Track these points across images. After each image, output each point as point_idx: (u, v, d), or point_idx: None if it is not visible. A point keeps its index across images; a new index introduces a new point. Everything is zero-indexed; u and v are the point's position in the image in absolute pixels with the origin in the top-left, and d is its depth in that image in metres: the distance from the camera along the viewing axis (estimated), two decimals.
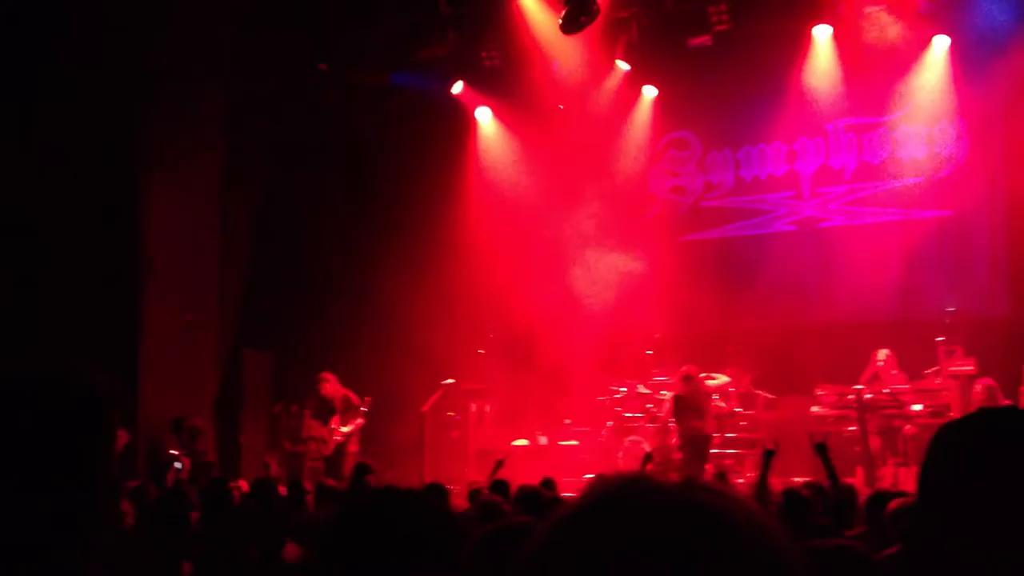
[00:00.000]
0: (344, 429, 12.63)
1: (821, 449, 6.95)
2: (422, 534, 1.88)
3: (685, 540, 0.91)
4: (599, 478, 1.03)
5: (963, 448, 1.48)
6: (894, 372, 11.86)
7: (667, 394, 12.90)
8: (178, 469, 10.20)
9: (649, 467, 11.06)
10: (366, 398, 12.81)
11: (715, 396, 12.58)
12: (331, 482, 10.47)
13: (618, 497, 0.96)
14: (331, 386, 12.71)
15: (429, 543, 1.87)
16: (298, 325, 15.06)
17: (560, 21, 12.99)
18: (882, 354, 11.98)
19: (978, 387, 10.93)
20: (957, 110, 13.72)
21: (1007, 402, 10.71)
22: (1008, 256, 13.23)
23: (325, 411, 12.72)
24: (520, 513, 6.29)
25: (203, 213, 13.77)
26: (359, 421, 12.66)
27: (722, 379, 12.88)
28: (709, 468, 11.71)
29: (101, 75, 12.23)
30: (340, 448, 12.58)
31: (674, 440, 12.66)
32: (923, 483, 1.51)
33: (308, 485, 10.69)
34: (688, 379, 12.16)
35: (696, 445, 11.98)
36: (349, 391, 12.79)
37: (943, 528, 1.45)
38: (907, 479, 11.01)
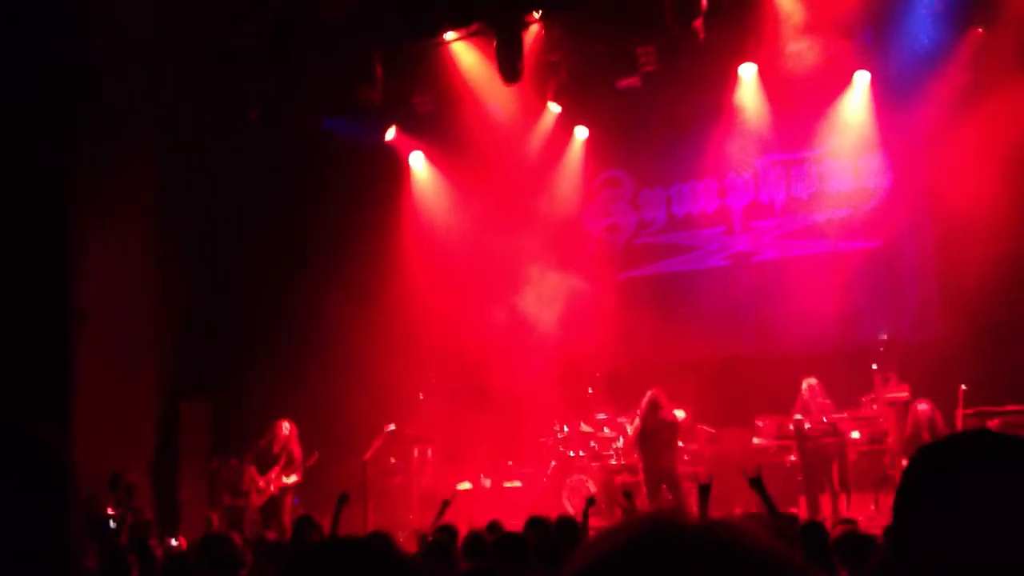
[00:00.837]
0: (287, 480, 12.46)
1: (756, 483, 6.97)
2: None
3: None
4: (632, 522, 1.01)
5: (940, 472, 1.50)
6: (820, 400, 11.89)
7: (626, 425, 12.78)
8: (114, 529, 9.96)
9: (591, 511, 11.01)
10: (314, 453, 12.65)
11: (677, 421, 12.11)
12: (272, 535, 10.30)
13: (656, 540, 0.95)
14: (282, 438, 12.53)
15: None
16: (235, 373, 14.85)
17: (500, 72, 13.10)
18: (806, 384, 11.98)
19: (922, 407, 11.11)
20: (880, 142, 14.08)
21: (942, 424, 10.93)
22: (937, 282, 13.54)
23: (267, 460, 12.54)
24: (466, 558, 6.25)
25: (136, 260, 13.56)
26: (297, 477, 12.51)
27: (681, 413, 12.67)
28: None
29: (29, 120, 12.04)
30: (277, 499, 12.41)
31: (624, 478, 12.62)
32: (900, 508, 1.52)
33: (246, 537, 10.50)
34: (655, 406, 11.83)
35: (668, 480, 11.69)
36: (297, 448, 12.59)
37: (921, 554, 1.45)
38: (852, 506, 11.15)
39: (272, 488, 12.43)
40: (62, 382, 12.04)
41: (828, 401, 11.93)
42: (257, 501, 12.43)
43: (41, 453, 1.58)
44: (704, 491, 7.38)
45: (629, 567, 0.94)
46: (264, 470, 12.48)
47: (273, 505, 12.39)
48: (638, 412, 12.15)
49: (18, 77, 11.95)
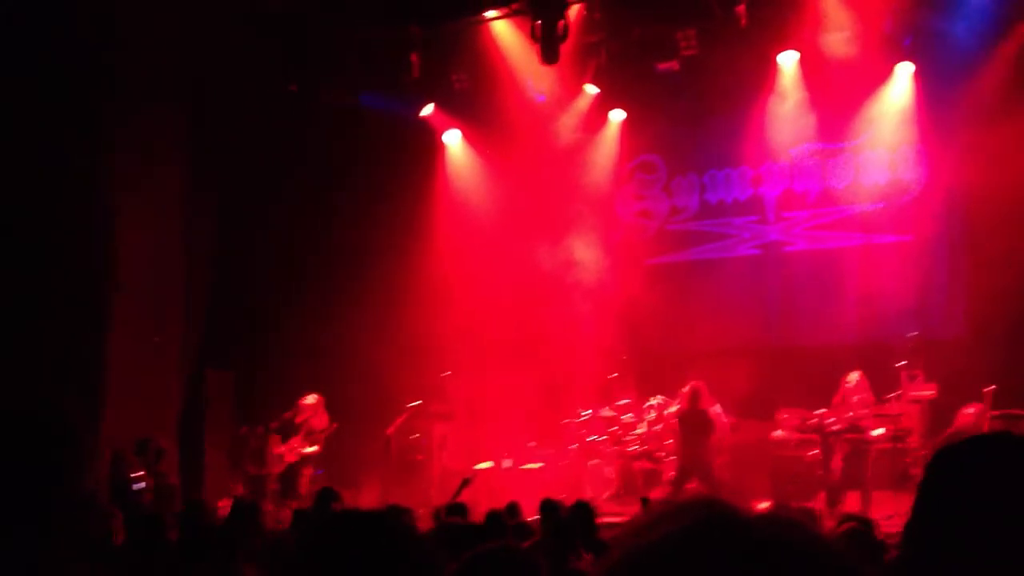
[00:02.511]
0: (310, 449, 12.62)
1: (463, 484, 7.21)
2: (391, 561, 1.87)
3: None
4: (677, 504, 0.99)
5: (962, 474, 1.50)
6: (856, 398, 11.80)
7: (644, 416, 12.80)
8: (140, 490, 10.11)
9: (595, 495, 10.98)
10: (333, 424, 12.78)
11: (715, 417, 12.05)
12: (294, 504, 10.43)
13: (708, 532, 0.93)
14: (310, 407, 12.68)
15: (399, 570, 1.86)
16: (262, 345, 14.97)
17: (539, 54, 13.05)
18: (852, 377, 11.92)
19: (970, 411, 11.03)
20: (918, 136, 13.91)
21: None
22: (968, 280, 13.39)
23: (289, 430, 12.69)
24: (485, 538, 6.31)
25: (169, 233, 13.69)
26: (317, 447, 12.65)
27: (719, 408, 12.53)
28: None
29: (65, 93, 12.14)
30: (295, 467, 12.57)
31: (643, 464, 12.65)
32: (920, 507, 1.52)
33: (269, 507, 10.64)
34: (695, 397, 11.79)
35: (701, 471, 11.69)
36: (319, 417, 12.74)
37: (938, 554, 1.46)
38: (871, 504, 11.10)
39: (292, 456, 12.58)
40: (95, 350, 12.21)
41: (870, 394, 11.81)
42: (276, 469, 12.58)
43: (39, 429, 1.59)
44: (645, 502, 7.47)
45: (685, 554, 0.92)
46: (286, 439, 12.63)
47: (291, 473, 12.55)
48: (678, 400, 12.15)
49: (53, 49, 12.04)
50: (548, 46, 12.99)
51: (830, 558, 0.94)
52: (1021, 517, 1.41)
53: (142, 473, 11.27)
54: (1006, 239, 12.28)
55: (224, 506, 9.75)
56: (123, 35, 12.67)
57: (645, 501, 9.01)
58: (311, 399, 12.82)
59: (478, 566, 2.59)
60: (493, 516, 6.93)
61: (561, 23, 12.95)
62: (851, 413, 11.60)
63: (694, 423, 11.74)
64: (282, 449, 12.66)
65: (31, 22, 11.85)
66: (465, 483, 8.91)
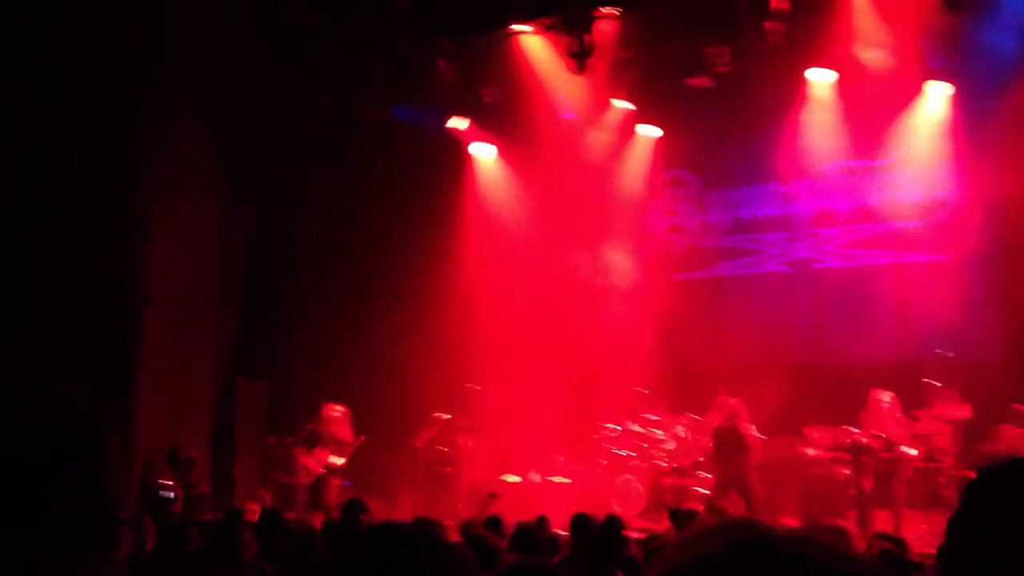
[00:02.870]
0: (338, 461, 12.66)
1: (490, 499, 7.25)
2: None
3: None
4: (720, 527, 1.00)
5: (999, 496, 1.48)
6: (898, 415, 11.69)
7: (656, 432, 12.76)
8: (171, 500, 10.17)
9: (624, 511, 10.99)
10: (360, 437, 12.81)
11: (746, 433, 12.09)
12: (322, 516, 10.45)
13: (750, 549, 0.95)
14: (335, 417, 12.75)
15: None
16: (293, 355, 15.04)
17: (567, 63, 13.12)
18: (886, 396, 11.83)
19: (1010, 430, 10.92)
20: (953, 154, 13.79)
21: None
22: (1002, 301, 13.25)
23: (315, 440, 12.74)
24: (514, 552, 6.29)
25: (201, 245, 13.79)
26: (344, 458, 12.70)
27: (754, 429, 12.51)
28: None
29: (98, 106, 12.28)
30: (323, 479, 12.61)
31: (672, 480, 12.58)
32: (955, 529, 1.50)
33: (299, 516, 10.66)
34: (734, 415, 11.89)
35: (739, 487, 11.72)
36: (345, 429, 12.78)
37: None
38: (903, 524, 10.99)
39: (319, 468, 12.61)
40: (129, 360, 12.32)
41: (905, 417, 11.69)
42: (305, 480, 12.62)
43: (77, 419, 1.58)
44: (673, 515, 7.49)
45: (721, 573, 0.93)
46: (310, 448, 12.68)
47: (319, 485, 12.57)
48: (713, 416, 12.24)
49: (87, 63, 12.19)
50: (576, 57, 13.02)
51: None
52: None
53: (171, 483, 11.33)
54: None
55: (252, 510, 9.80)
56: (159, 51, 12.80)
57: (673, 513, 8.97)
58: (337, 411, 12.86)
59: None
60: (523, 530, 6.91)
61: (587, 37, 12.99)
62: (883, 435, 11.48)
63: (729, 440, 11.77)
64: (308, 460, 12.70)
65: (72, 35, 12.01)
66: (492, 498, 8.89)
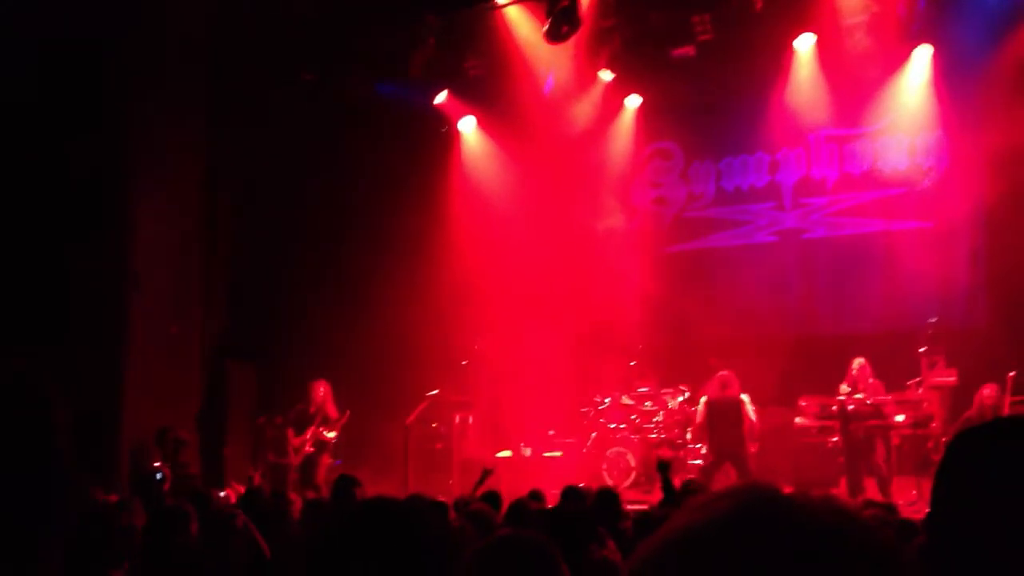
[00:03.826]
0: (329, 435, 12.67)
1: (663, 468, 7.29)
2: (419, 549, 1.83)
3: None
4: (738, 490, 0.99)
5: (981, 458, 1.46)
6: (871, 380, 11.77)
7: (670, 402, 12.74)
8: (160, 480, 10.14)
9: (616, 483, 10.99)
10: (345, 412, 12.82)
11: (749, 407, 12.05)
12: (311, 494, 10.43)
13: (758, 513, 0.94)
14: (321, 396, 12.76)
15: (426, 558, 1.83)
16: (282, 336, 15.01)
17: (545, 30, 13.02)
18: (856, 362, 11.87)
19: (987, 391, 10.99)
20: (939, 121, 13.80)
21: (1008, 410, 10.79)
22: (989, 266, 13.30)
23: (305, 421, 12.74)
24: (508, 525, 6.28)
25: (187, 224, 13.71)
26: (335, 434, 12.70)
27: (747, 397, 12.45)
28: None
29: (84, 79, 12.15)
30: (312, 458, 12.62)
31: (664, 452, 12.60)
32: (937, 493, 1.48)
33: (292, 496, 10.64)
34: (724, 386, 11.84)
35: (733, 458, 11.71)
36: (331, 407, 12.80)
37: (956, 541, 1.43)
38: (894, 490, 11.06)
39: (308, 447, 12.62)
40: (116, 341, 12.24)
41: (878, 381, 11.78)
42: (295, 460, 12.63)
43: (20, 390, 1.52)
44: (663, 468, 7.53)
45: (731, 534, 0.92)
46: (301, 430, 12.69)
47: (309, 464, 12.59)
48: (705, 389, 12.23)
49: (67, 40, 12.04)
50: (555, 25, 12.88)
51: (872, 540, 0.94)
52: None
53: (159, 464, 11.30)
54: None
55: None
56: (139, 28, 12.66)
57: (663, 467, 8.66)
58: (322, 389, 12.86)
59: (493, 553, 2.55)
60: (516, 505, 6.89)
61: (567, 6, 12.85)
62: (870, 400, 11.52)
63: (724, 411, 11.77)
64: (298, 441, 12.71)
65: (48, 13, 11.85)
66: (487, 474, 8.86)
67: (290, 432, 12.77)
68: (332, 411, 12.85)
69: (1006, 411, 10.85)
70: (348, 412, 12.86)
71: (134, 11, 12.59)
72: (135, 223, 12.66)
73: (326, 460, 12.77)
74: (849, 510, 0.96)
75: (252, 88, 14.18)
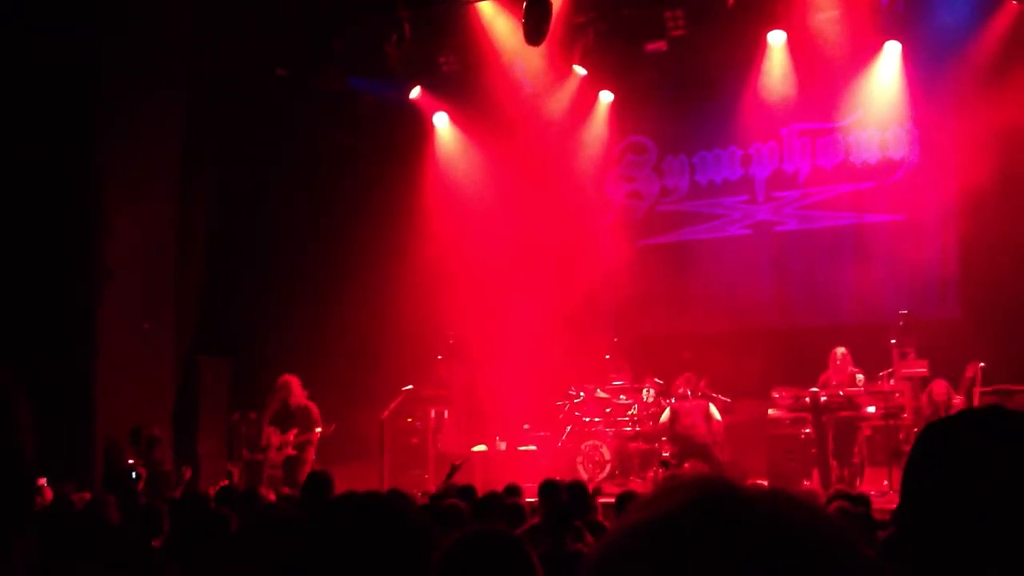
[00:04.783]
0: (315, 431, 12.57)
1: (665, 466, 7.54)
2: (390, 543, 1.84)
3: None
4: (684, 482, 0.98)
5: (948, 448, 1.48)
6: (850, 369, 11.90)
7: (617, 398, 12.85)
8: (135, 479, 10.09)
9: (591, 476, 11.06)
10: (331, 425, 12.62)
11: (712, 409, 12.42)
12: (287, 491, 10.39)
13: (711, 506, 0.92)
14: (295, 394, 12.55)
15: (397, 552, 1.84)
16: (256, 330, 14.95)
17: (524, 34, 13.01)
18: (839, 352, 12.00)
19: (938, 387, 11.12)
20: (909, 114, 13.91)
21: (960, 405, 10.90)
22: (959, 259, 13.44)
23: (285, 418, 12.57)
24: (480, 519, 6.30)
25: (160, 219, 13.64)
26: (317, 432, 12.56)
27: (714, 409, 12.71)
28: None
29: (56, 74, 12.06)
30: (295, 458, 12.47)
31: (639, 445, 12.71)
32: (906, 484, 1.50)
33: (269, 494, 10.60)
34: (689, 386, 12.29)
35: (700, 454, 11.93)
36: (311, 404, 12.57)
37: (925, 531, 1.44)
38: (865, 481, 11.16)
39: (290, 448, 12.45)
40: (89, 340, 12.16)
41: (858, 369, 11.89)
42: (276, 458, 12.48)
43: None
44: (666, 467, 7.61)
45: (685, 528, 0.90)
46: (285, 429, 12.51)
47: (292, 464, 12.43)
48: (674, 390, 12.55)
49: (45, 33, 11.94)
50: (533, 27, 12.91)
51: (831, 533, 0.92)
52: (1010, 492, 1.39)
53: (133, 462, 11.24)
54: (998, 216, 12.32)
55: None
56: (113, 21, 12.56)
57: (665, 464, 8.88)
58: (290, 383, 12.63)
59: (462, 550, 2.54)
60: (489, 498, 6.93)
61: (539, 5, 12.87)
62: (841, 392, 11.63)
63: (687, 412, 12.09)
64: (278, 440, 12.53)
65: (21, 7, 11.75)
66: (455, 469, 8.87)
67: (274, 431, 12.57)
68: (311, 407, 12.63)
69: (959, 406, 10.96)
70: (334, 425, 12.67)
71: (109, 12, 12.51)
72: (108, 219, 12.57)
73: (311, 456, 12.56)
74: (807, 502, 0.94)
75: (226, 83, 14.10)
